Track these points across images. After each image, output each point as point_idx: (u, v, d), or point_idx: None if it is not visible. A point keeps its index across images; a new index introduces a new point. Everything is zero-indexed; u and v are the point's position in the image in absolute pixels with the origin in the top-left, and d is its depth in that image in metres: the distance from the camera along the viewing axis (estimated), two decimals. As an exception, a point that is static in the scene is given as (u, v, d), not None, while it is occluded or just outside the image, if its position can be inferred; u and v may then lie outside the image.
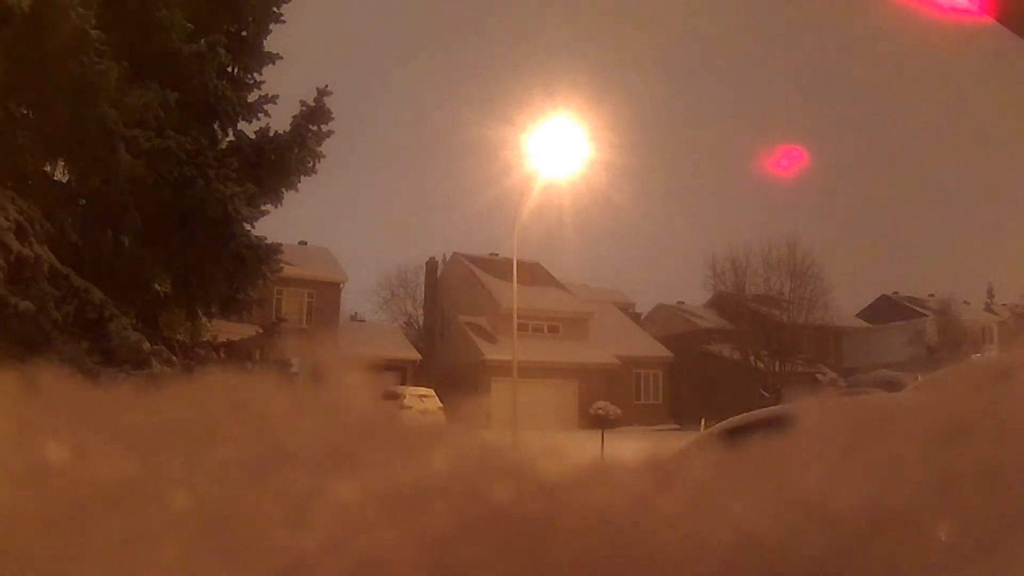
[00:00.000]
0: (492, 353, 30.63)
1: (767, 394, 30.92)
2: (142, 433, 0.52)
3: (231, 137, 12.18)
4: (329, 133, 12.22)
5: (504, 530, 0.41)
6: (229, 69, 12.01)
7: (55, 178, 10.88)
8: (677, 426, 30.62)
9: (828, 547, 0.44)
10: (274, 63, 12.50)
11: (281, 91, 12.66)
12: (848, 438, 0.53)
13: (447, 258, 38.78)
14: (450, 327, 34.98)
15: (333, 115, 12.21)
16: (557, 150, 22.81)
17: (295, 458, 0.47)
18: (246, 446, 0.49)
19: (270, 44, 12.58)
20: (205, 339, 12.40)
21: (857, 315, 43.04)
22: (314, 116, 12.08)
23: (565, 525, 0.42)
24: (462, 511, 0.42)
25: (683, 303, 41.11)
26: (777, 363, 34.33)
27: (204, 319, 12.88)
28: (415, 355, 32.46)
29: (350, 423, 0.52)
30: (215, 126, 11.89)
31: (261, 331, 12.54)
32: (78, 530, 0.48)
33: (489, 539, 0.41)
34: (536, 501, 0.43)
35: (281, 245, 12.47)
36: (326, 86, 12.26)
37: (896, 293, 45.03)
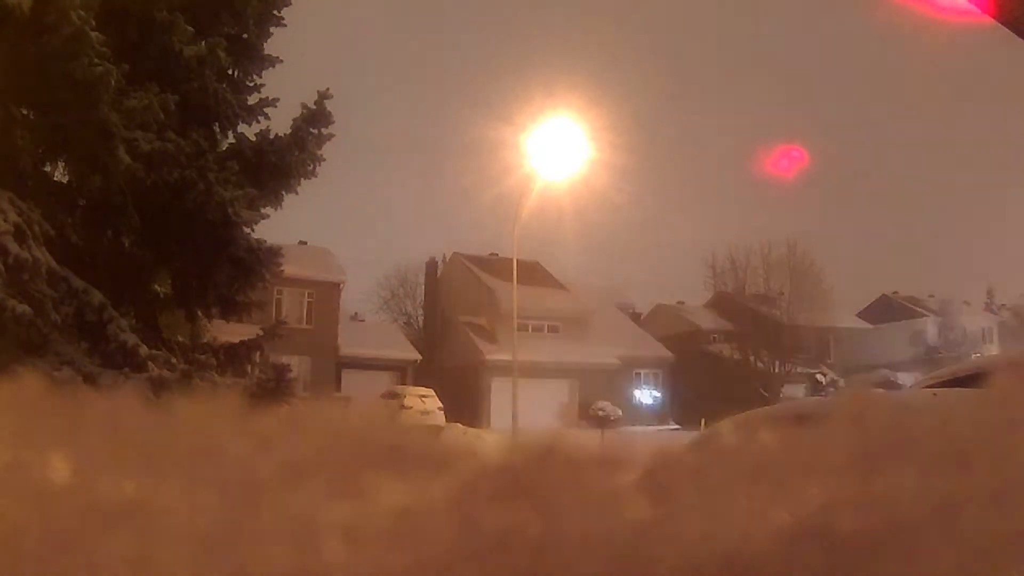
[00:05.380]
0: (492, 353, 30.61)
1: (767, 394, 30.91)
2: (147, 453, 0.52)
3: (231, 140, 12.16)
4: (329, 136, 12.20)
5: (504, 554, 0.42)
6: (229, 72, 12.00)
7: (55, 179, 10.88)
8: (677, 426, 30.61)
9: (827, 568, 0.44)
10: (274, 66, 12.49)
11: (281, 94, 12.65)
12: (852, 457, 0.53)
13: (447, 258, 38.78)
14: (450, 327, 34.98)
15: (333, 118, 12.19)
16: (557, 150, 22.81)
17: (299, 480, 0.48)
18: (251, 467, 0.50)
19: (270, 47, 12.56)
20: (205, 341, 12.39)
21: (857, 315, 43.03)
22: (314, 119, 12.06)
23: (565, 549, 0.43)
24: (463, 535, 0.42)
25: (683, 303, 41.10)
26: (777, 363, 34.32)
27: (204, 320, 12.87)
28: (415, 355, 32.45)
29: (353, 444, 0.52)
30: (215, 129, 11.88)
31: (261, 333, 12.52)
32: (85, 550, 0.48)
33: (490, 563, 0.41)
34: (536, 525, 0.43)
35: (281, 248, 12.45)
36: (327, 89, 12.23)
37: (896, 293, 45.01)
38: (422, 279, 39.28)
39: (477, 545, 0.43)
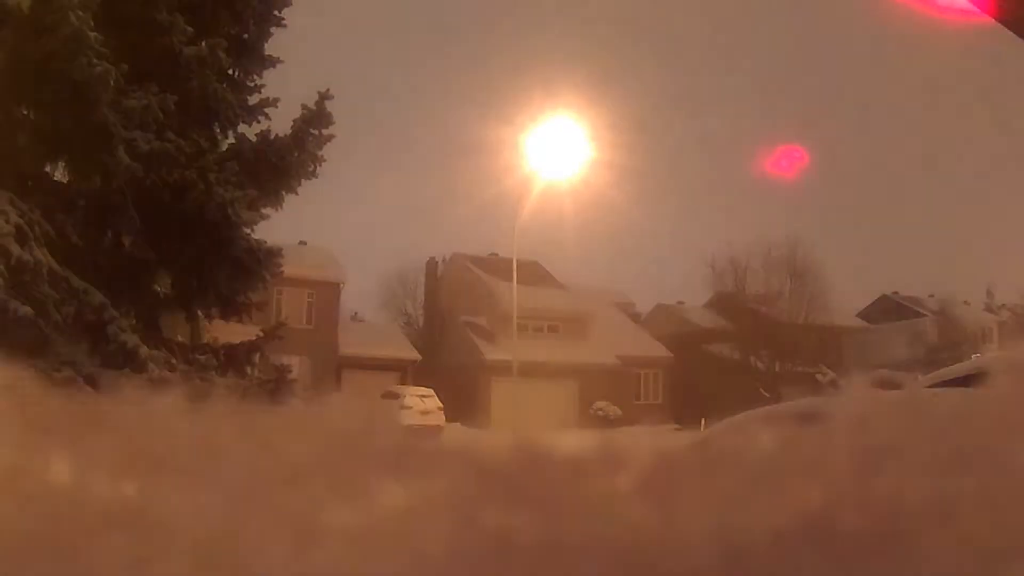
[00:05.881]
0: (492, 353, 30.64)
1: (767, 394, 30.91)
2: (148, 454, 0.53)
3: (231, 140, 12.17)
4: (330, 137, 12.22)
5: (503, 557, 0.42)
6: (229, 72, 12.01)
7: (55, 179, 10.88)
8: (677, 426, 30.63)
9: (828, 570, 0.45)
10: (274, 66, 12.50)
11: (281, 94, 12.66)
12: (852, 458, 0.53)
13: (447, 258, 38.78)
14: (450, 327, 34.98)
15: (334, 119, 12.21)
16: (557, 150, 22.84)
17: (299, 481, 0.48)
18: (251, 468, 0.50)
19: (270, 47, 12.58)
20: (205, 341, 12.40)
21: (857, 315, 43.04)
22: (315, 120, 12.07)
23: (564, 551, 0.43)
24: (462, 537, 0.42)
25: (683, 303, 41.10)
26: (777, 363, 34.34)
27: (204, 321, 12.88)
28: (415, 355, 32.46)
29: (350, 445, 0.52)
30: (215, 129, 11.88)
31: (261, 334, 12.53)
32: (85, 551, 0.48)
33: (489, 566, 0.41)
34: (535, 527, 0.43)
35: (281, 248, 12.46)
36: (327, 90, 12.24)
37: (896, 293, 45.01)
38: (422, 279, 39.26)
39: (476, 547, 0.43)
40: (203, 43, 11.00)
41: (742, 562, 0.46)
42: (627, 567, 0.44)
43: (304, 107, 12.27)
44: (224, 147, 12.13)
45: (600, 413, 27.81)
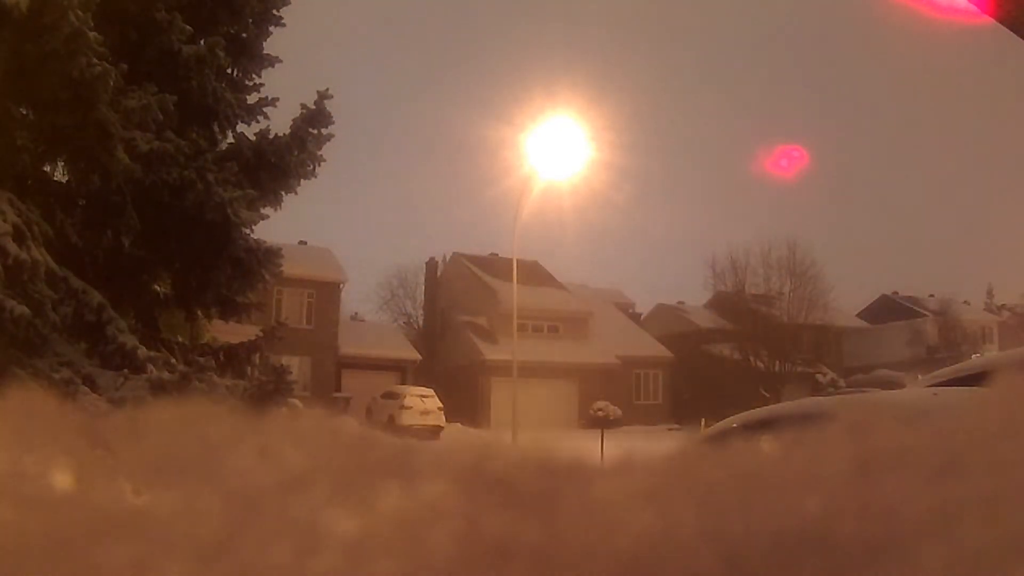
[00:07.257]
0: (492, 353, 30.66)
1: (767, 394, 30.91)
2: (148, 460, 0.53)
3: (230, 139, 12.19)
4: (329, 136, 12.24)
5: (505, 563, 0.42)
6: (229, 71, 12.02)
7: (54, 179, 10.88)
8: (677, 426, 30.64)
9: (826, 575, 0.45)
10: (273, 66, 12.52)
11: (281, 94, 12.68)
12: (850, 462, 0.53)
13: (447, 258, 38.80)
14: (450, 327, 35.00)
15: (333, 119, 12.22)
16: (557, 150, 22.85)
17: (300, 487, 0.48)
18: (250, 474, 0.50)
19: (270, 47, 12.60)
20: (204, 342, 12.41)
21: (857, 315, 43.10)
22: (314, 119, 12.09)
23: (565, 557, 0.43)
24: (464, 543, 0.42)
25: (683, 303, 41.14)
26: (777, 363, 34.37)
27: (204, 321, 12.89)
28: (415, 355, 32.48)
29: (352, 450, 0.52)
30: (214, 128, 11.89)
31: (261, 334, 12.54)
32: (86, 558, 0.48)
33: (490, 571, 0.41)
34: (537, 533, 0.43)
35: (281, 248, 12.47)
36: (327, 89, 12.27)
37: (896, 293, 45.08)
38: (422, 279, 39.28)
39: (478, 553, 0.43)
40: (202, 42, 11.02)
41: (741, 568, 0.46)
42: (628, 573, 0.44)
43: (303, 106, 12.28)
44: (223, 147, 12.14)
45: (600, 413, 27.79)
